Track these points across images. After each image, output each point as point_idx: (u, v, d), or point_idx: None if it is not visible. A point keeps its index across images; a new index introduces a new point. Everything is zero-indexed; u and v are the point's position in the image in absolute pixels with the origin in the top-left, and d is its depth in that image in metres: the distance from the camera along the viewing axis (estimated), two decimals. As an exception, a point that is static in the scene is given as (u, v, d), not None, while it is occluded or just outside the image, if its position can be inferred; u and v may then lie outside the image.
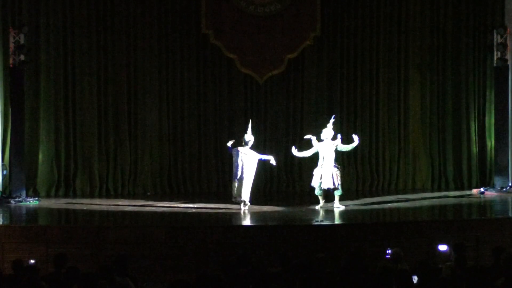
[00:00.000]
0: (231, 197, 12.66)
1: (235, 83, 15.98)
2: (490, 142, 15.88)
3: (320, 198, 12.48)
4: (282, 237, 10.48)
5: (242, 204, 12.44)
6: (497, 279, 6.65)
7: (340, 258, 9.22)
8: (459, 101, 16.16)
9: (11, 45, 14.32)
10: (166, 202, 13.75)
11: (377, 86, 16.11)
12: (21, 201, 13.92)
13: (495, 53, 15.32)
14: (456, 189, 15.83)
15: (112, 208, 13.36)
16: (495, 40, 15.32)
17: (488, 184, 15.73)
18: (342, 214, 12.16)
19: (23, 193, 14.35)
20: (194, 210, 12.87)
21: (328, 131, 12.39)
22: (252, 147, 12.63)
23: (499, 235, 10.63)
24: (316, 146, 12.41)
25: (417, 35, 16.06)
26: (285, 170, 16.03)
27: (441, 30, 16.09)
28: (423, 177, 16.19)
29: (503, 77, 15.29)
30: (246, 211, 12.33)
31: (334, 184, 12.21)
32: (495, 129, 15.50)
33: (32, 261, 8.75)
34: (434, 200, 14.21)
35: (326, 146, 12.31)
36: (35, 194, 14.88)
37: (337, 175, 12.27)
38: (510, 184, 15.14)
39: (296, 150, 12.76)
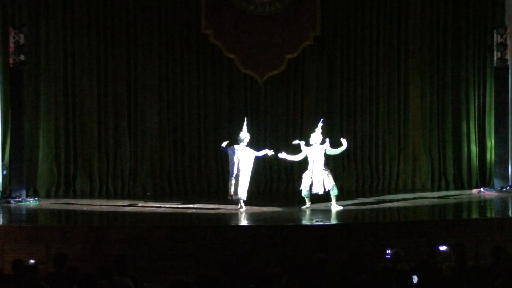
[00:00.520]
0: (227, 195, 12.63)
1: (235, 83, 15.98)
2: (490, 142, 15.88)
3: (306, 199, 12.55)
4: (282, 237, 10.48)
5: (241, 202, 12.44)
6: (497, 279, 6.65)
7: (340, 258, 9.24)
8: (459, 101, 16.16)
9: (11, 45, 14.32)
10: (166, 202, 13.75)
11: (377, 86, 16.11)
12: (21, 201, 13.93)
13: (495, 53, 15.32)
14: (456, 189, 15.83)
15: (112, 208, 13.35)
16: (495, 40, 15.32)
17: (488, 184, 15.73)
18: (342, 214, 12.16)
19: (23, 193, 14.35)
20: (194, 210, 12.87)
21: (316, 136, 12.44)
22: (250, 145, 12.64)
23: (499, 235, 10.63)
24: (305, 151, 12.45)
25: (417, 35, 16.06)
26: (285, 170, 16.02)
27: (441, 30, 16.09)
28: (423, 177, 16.19)
29: (503, 77, 15.29)
30: (243, 212, 12.32)
31: (324, 188, 12.27)
32: (495, 129, 15.50)
33: (32, 261, 8.74)
34: (434, 200, 14.21)
35: (315, 150, 12.37)
36: (35, 194, 14.88)
37: (328, 176, 12.31)
38: (510, 184, 15.14)
39: (285, 153, 12.74)
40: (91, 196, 15.21)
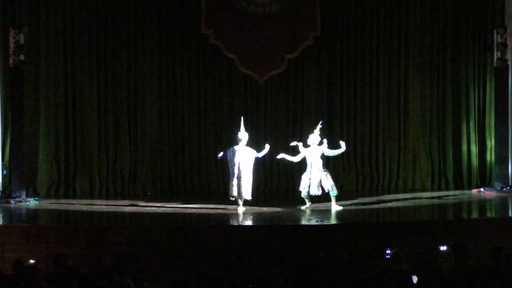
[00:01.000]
0: (228, 195, 12.64)
1: (235, 83, 15.98)
2: (490, 142, 15.88)
3: (306, 200, 12.56)
4: (282, 237, 10.48)
5: (241, 203, 12.46)
6: (497, 279, 6.65)
7: (340, 258, 9.24)
8: (459, 101, 16.16)
9: (11, 45, 14.32)
10: (166, 202, 13.75)
11: (377, 86, 16.11)
12: (21, 201, 13.92)
13: (495, 53, 15.31)
14: (456, 189, 15.83)
15: (112, 208, 13.35)
16: (495, 40, 15.32)
17: (488, 184, 15.73)
18: (342, 214, 12.16)
19: (23, 193, 14.35)
20: (194, 210, 12.87)
21: (314, 137, 12.45)
22: (249, 145, 12.66)
23: (499, 235, 10.63)
24: (303, 152, 12.47)
25: (417, 35, 16.06)
26: (285, 170, 16.03)
27: (441, 30, 16.09)
28: (423, 177, 16.19)
29: (503, 77, 15.30)
30: (242, 212, 12.32)
31: (323, 189, 12.29)
32: (495, 129, 15.51)
33: (32, 261, 8.74)
34: (434, 200, 14.21)
35: (313, 151, 12.38)
36: (35, 194, 14.89)
37: (327, 177, 12.32)
38: (510, 184, 15.14)
39: (283, 154, 12.74)
40: (91, 196, 15.21)
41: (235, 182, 12.39)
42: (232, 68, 15.84)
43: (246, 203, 12.56)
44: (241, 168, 12.36)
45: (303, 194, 12.50)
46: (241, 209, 12.45)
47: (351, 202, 13.44)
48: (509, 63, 15.26)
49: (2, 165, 14.63)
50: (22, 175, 14.46)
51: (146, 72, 15.69)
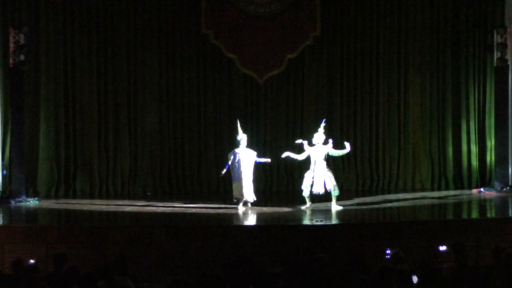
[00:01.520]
0: (232, 198, 12.67)
1: (235, 83, 15.98)
2: (490, 142, 15.88)
3: (307, 199, 12.54)
4: (282, 237, 10.48)
5: (242, 203, 12.47)
6: (497, 279, 6.65)
7: (340, 258, 9.23)
8: (459, 101, 16.16)
9: (11, 45, 14.32)
10: (166, 202, 13.75)
11: (377, 86, 16.11)
12: (21, 201, 13.93)
13: (495, 53, 15.31)
14: (456, 189, 15.83)
15: (112, 208, 13.35)
16: (495, 40, 15.32)
17: (488, 184, 15.73)
18: (342, 214, 12.16)
19: (23, 193, 14.35)
20: (194, 210, 12.87)
21: (319, 136, 12.44)
22: (249, 145, 12.69)
23: (499, 235, 10.63)
24: (308, 151, 12.46)
25: (417, 35, 16.07)
26: (285, 170, 16.04)
27: (441, 30, 16.10)
28: (423, 177, 16.19)
29: (503, 77, 15.29)
30: (242, 212, 12.33)
31: (325, 188, 12.28)
32: (495, 129, 15.50)
33: (32, 261, 8.75)
34: (434, 200, 14.21)
35: (318, 150, 12.37)
36: (35, 194, 14.89)
37: (330, 177, 12.31)
38: (510, 184, 15.13)
39: (288, 152, 12.75)
40: (91, 196, 15.21)
41: (237, 183, 12.40)
42: (232, 68, 15.85)
43: (246, 203, 12.56)
44: (242, 169, 12.39)
45: (305, 193, 12.49)
46: (241, 209, 12.46)
47: (351, 202, 13.44)
48: (509, 63, 15.26)
49: (2, 165, 14.64)
50: (22, 175, 14.46)
51: (146, 72, 15.69)
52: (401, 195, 14.80)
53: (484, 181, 15.92)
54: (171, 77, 15.83)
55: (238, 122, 12.99)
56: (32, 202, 14.01)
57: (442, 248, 9.20)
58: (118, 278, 7.02)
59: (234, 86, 15.99)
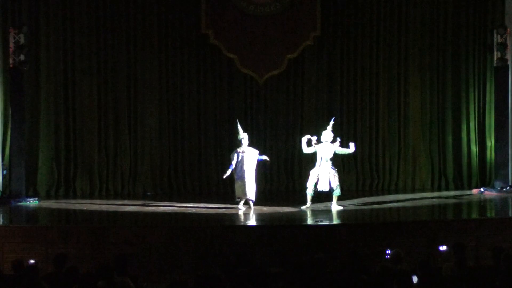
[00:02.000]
0: (235, 197, 12.66)
1: (235, 83, 15.98)
2: (490, 142, 15.88)
3: (308, 198, 12.49)
4: (282, 237, 10.47)
5: (243, 203, 12.48)
6: (497, 279, 6.65)
7: (339, 258, 9.24)
8: (459, 102, 16.16)
9: (11, 45, 14.32)
10: (166, 202, 13.75)
11: (377, 86, 16.11)
12: (21, 201, 13.92)
13: (495, 53, 15.31)
14: (456, 189, 15.83)
15: (112, 208, 13.35)
16: (495, 40, 15.31)
17: (488, 184, 15.73)
18: (342, 214, 12.15)
19: (23, 193, 14.35)
20: (194, 210, 12.87)
21: (328, 134, 12.41)
22: (250, 145, 12.68)
23: (499, 235, 10.62)
24: (315, 147, 12.42)
25: (417, 35, 16.07)
26: (285, 170, 16.04)
27: (441, 30, 16.10)
28: (423, 177, 16.19)
29: (503, 77, 15.29)
30: (243, 212, 12.34)
31: (330, 187, 12.26)
32: (495, 129, 15.50)
33: (32, 261, 8.74)
34: (434, 200, 14.20)
35: (325, 148, 12.34)
36: (35, 194, 14.88)
37: (334, 176, 12.30)
38: (510, 184, 15.13)
39: (307, 137, 12.62)
40: (91, 196, 15.21)
41: (240, 183, 12.41)
42: (232, 68, 15.84)
43: (247, 203, 12.57)
44: (244, 168, 12.39)
45: (308, 191, 12.44)
46: (241, 208, 12.46)
47: (351, 202, 13.44)
48: (509, 63, 15.26)
49: (2, 165, 14.63)
50: (22, 175, 14.46)
51: (146, 71, 15.69)
52: (401, 195, 14.80)
53: (484, 181, 15.92)
54: (171, 77, 15.83)
55: (237, 122, 12.99)
56: (32, 202, 14.00)
57: (442, 248, 9.20)
58: (118, 278, 7.03)
59: (234, 86, 15.99)
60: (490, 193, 14.91)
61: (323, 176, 12.24)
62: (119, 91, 15.66)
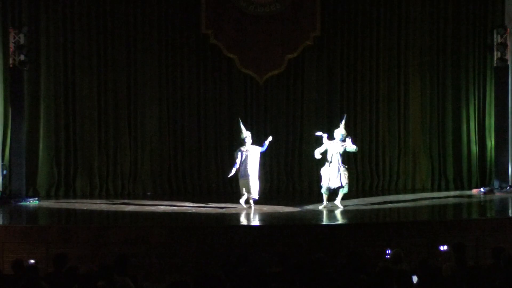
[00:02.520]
0: (240, 195, 12.65)
1: (235, 83, 15.97)
2: (490, 142, 15.88)
3: (324, 198, 12.48)
4: (282, 237, 10.48)
5: (244, 200, 12.48)
6: (497, 279, 6.65)
7: (340, 258, 9.23)
8: (459, 101, 16.16)
9: (11, 45, 14.33)
10: (166, 202, 13.75)
11: (377, 86, 16.11)
12: (21, 201, 13.92)
13: (495, 53, 15.32)
14: (456, 189, 15.83)
15: (112, 208, 13.35)
16: (495, 40, 15.32)
17: (488, 184, 15.73)
18: (342, 214, 12.16)
19: (23, 193, 14.35)
20: (194, 210, 12.87)
21: (340, 131, 12.42)
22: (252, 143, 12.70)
23: (499, 235, 10.63)
24: (326, 144, 12.42)
25: (417, 36, 16.06)
26: (285, 170, 16.04)
27: (441, 30, 16.09)
28: (423, 177, 16.19)
29: (503, 77, 15.29)
30: (243, 210, 12.34)
31: (341, 183, 12.27)
32: (495, 129, 15.50)
33: (32, 261, 8.74)
34: (434, 200, 14.21)
35: (336, 145, 12.35)
36: (35, 194, 14.88)
37: (344, 173, 12.31)
38: (510, 184, 15.13)
39: (318, 154, 12.54)
40: (91, 196, 15.21)
41: (245, 181, 12.40)
42: (232, 68, 15.84)
43: (248, 202, 12.57)
44: (249, 167, 12.39)
45: (323, 190, 12.42)
46: (242, 204, 12.47)
47: (351, 202, 13.44)
48: (509, 63, 15.26)
49: (2, 165, 14.63)
50: (22, 175, 14.46)
51: (146, 72, 15.69)
52: (401, 195, 14.80)
53: (484, 181, 15.92)
54: (171, 77, 15.83)
55: (240, 120, 13.00)
56: (32, 202, 14.00)
57: (442, 248, 9.20)
58: (118, 278, 7.02)
59: (234, 86, 15.98)
60: (489, 193, 14.88)
61: (334, 173, 12.25)
62: (119, 91, 15.66)
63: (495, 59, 15.34)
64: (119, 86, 15.65)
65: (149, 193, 15.48)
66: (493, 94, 15.64)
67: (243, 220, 11.94)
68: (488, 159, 15.98)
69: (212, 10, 15.58)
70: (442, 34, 16.10)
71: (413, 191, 15.65)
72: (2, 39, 14.79)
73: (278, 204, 13.46)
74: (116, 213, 12.95)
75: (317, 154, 12.42)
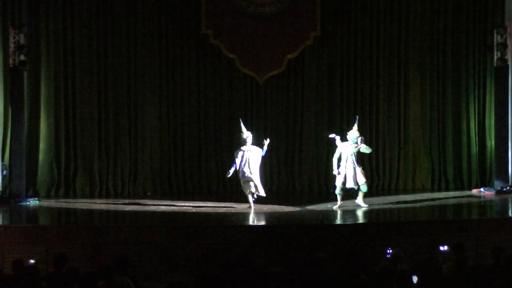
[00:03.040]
0: (245, 194, 12.64)
1: (235, 83, 15.97)
2: (490, 142, 15.88)
3: (338, 197, 12.53)
4: (282, 237, 10.48)
5: (252, 199, 12.50)
6: (497, 279, 6.65)
7: (340, 258, 9.23)
8: (459, 101, 16.16)
9: (11, 45, 14.32)
10: (166, 202, 13.74)
11: (377, 86, 16.12)
12: (21, 201, 13.92)
13: (495, 53, 15.31)
14: (456, 189, 15.83)
15: (112, 208, 13.35)
16: (495, 40, 15.31)
17: (488, 184, 15.72)
18: (342, 214, 12.16)
19: (23, 193, 14.35)
20: (194, 210, 12.87)
21: (353, 133, 12.48)
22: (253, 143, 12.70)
23: (499, 235, 10.63)
24: (340, 146, 12.45)
25: (417, 35, 16.07)
26: (285, 170, 16.04)
27: (441, 30, 16.09)
28: (423, 177, 16.19)
29: (503, 77, 15.29)
30: (250, 209, 12.37)
31: (357, 183, 12.35)
32: (495, 129, 15.50)
33: (32, 261, 8.73)
34: (434, 200, 14.20)
35: (350, 147, 12.38)
36: (35, 194, 14.88)
37: (361, 173, 12.35)
38: (510, 184, 15.13)
39: (336, 162, 12.53)
40: (91, 196, 15.21)
41: (249, 183, 12.40)
42: (232, 68, 15.84)
43: (248, 202, 12.58)
44: (250, 167, 12.39)
45: (337, 191, 12.48)
46: (252, 203, 12.51)
47: (351, 203, 13.42)
48: (509, 63, 15.25)
49: (2, 165, 14.63)
50: (22, 175, 14.46)
51: (146, 72, 15.69)
52: (401, 195, 14.80)
53: (484, 181, 15.92)
54: (171, 77, 15.83)
55: (240, 120, 13.00)
56: (32, 202, 14.00)
57: (442, 248, 9.20)
58: (118, 278, 7.03)
59: (234, 86, 15.99)
60: (490, 193, 14.88)
61: (350, 174, 12.31)
62: (119, 91, 15.66)
63: (495, 59, 15.34)
64: (119, 86, 15.65)
65: (149, 193, 15.48)
66: (493, 94, 15.64)
67: (243, 220, 11.93)
68: (488, 159, 15.98)
69: (212, 10, 15.59)
70: (442, 34, 16.09)
71: (413, 191, 15.66)
72: (2, 39, 14.78)
73: (278, 204, 13.45)
74: (116, 213, 12.96)
75: (335, 162, 12.43)
